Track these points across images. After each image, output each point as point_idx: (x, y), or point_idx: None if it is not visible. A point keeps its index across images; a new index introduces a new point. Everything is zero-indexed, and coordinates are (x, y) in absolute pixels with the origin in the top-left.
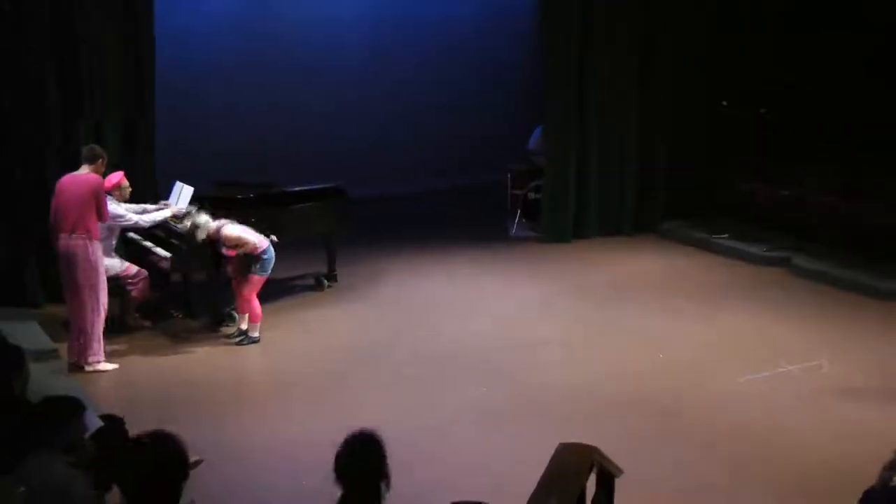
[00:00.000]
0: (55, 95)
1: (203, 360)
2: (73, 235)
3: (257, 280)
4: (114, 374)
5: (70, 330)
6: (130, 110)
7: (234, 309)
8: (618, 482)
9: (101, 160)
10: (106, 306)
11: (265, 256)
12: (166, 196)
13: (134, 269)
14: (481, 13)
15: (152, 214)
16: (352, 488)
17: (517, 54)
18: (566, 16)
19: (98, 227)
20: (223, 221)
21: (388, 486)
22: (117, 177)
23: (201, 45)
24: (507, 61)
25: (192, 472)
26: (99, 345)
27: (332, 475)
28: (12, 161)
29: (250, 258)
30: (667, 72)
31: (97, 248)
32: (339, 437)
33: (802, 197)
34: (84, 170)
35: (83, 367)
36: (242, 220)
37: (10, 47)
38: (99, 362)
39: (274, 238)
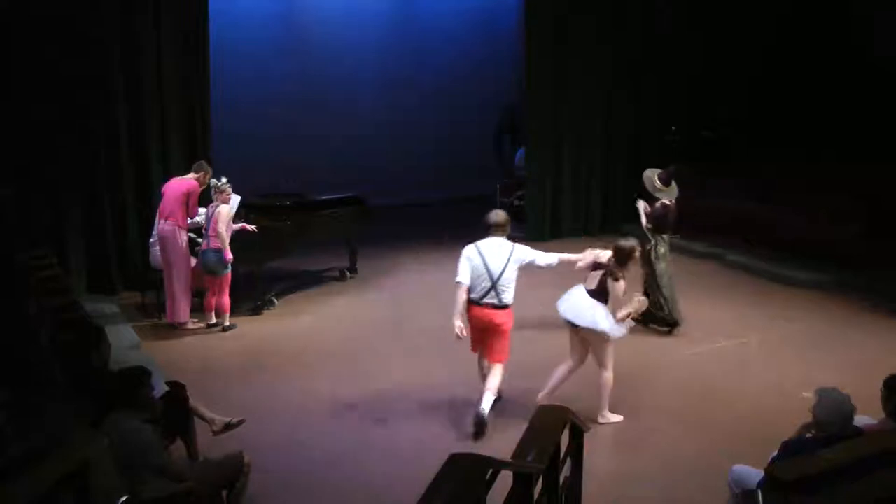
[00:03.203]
0: (126, 125)
1: (246, 335)
2: (167, 222)
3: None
4: (177, 347)
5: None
6: (190, 134)
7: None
8: (586, 435)
9: (203, 172)
10: (189, 280)
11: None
12: None
13: (193, 260)
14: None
15: (201, 218)
16: None
17: (507, 96)
18: (545, 63)
19: (186, 220)
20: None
21: None
22: None
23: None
24: (499, 101)
25: (239, 429)
26: (186, 308)
27: None
28: (95, 181)
29: (221, 257)
30: (626, 105)
31: (184, 235)
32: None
33: (727, 205)
34: (189, 175)
35: (176, 327)
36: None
37: (86, 81)
38: (185, 322)
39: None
